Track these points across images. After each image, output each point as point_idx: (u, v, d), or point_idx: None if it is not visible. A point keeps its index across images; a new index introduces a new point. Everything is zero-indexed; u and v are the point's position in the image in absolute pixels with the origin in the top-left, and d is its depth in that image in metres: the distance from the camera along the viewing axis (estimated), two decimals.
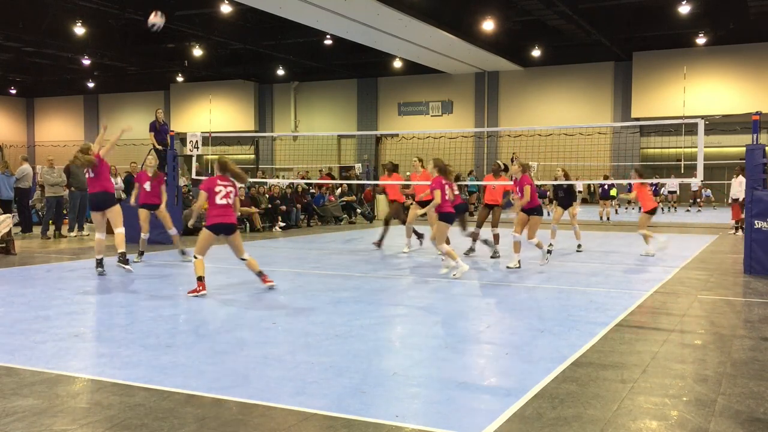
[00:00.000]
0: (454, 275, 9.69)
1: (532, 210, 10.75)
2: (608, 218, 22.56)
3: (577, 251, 13.07)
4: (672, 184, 27.74)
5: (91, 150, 9.92)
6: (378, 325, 6.75)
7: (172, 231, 11.56)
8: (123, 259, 9.70)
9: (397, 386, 4.79)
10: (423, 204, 11.83)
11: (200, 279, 8.22)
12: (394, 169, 14.33)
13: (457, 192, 10.57)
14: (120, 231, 9.87)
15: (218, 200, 8.24)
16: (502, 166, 12.43)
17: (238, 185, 8.69)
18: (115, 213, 9.88)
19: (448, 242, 10.50)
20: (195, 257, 8.31)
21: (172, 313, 7.30)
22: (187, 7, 27.39)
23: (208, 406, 4.38)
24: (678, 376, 5.06)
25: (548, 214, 13.66)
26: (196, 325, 6.83)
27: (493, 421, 4.10)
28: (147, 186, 11.32)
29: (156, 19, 12.28)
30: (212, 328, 6.67)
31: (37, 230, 16.39)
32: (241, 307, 7.67)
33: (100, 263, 9.79)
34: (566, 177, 13.28)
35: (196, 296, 8.10)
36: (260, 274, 8.58)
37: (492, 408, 4.35)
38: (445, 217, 9.90)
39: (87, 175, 9.96)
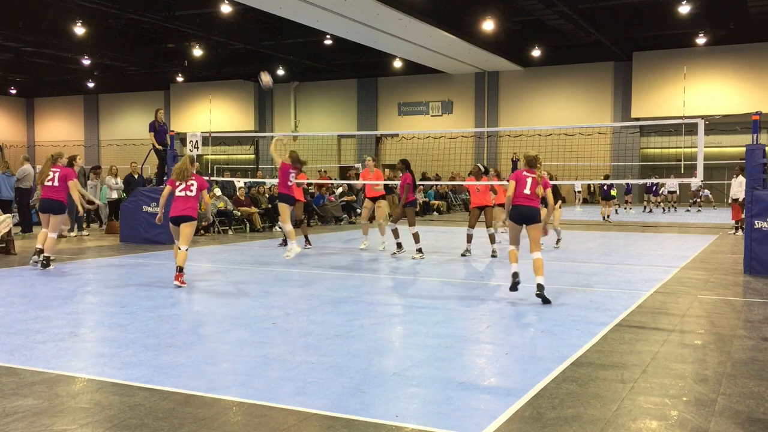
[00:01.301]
0: (286, 255, 11.24)
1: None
2: (608, 217, 22.60)
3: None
4: (672, 184, 27.77)
5: (61, 159, 10.96)
6: (378, 325, 6.75)
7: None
8: (46, 263, 10.46)
9: (396, 386, 4.79)
10: (373, 200, 13.46)
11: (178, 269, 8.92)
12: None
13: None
14: (53, 236, 10.64)
15: (177, 193, 9.10)
16: (483, 169, 12.58)
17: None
18: (59, 219, 10.80)
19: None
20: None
21: (172, 313, 7.31)
22: (187, 7, 27.38)
23: (208, 406, 4.38)
24: (678, 376, 5.06)
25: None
26: (196, 325, 6.83)
27: (493, 421, 4.10)
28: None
29: (267, 79, 13.95)
30: (212, 328, 6.67)
31: (37, 230, 16.37)
32: (241, 307, 7.67)
33: (40, 252, 10.51)
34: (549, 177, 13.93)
35: (179, 286, 8.79)
36: (180, 269, 8.94)
37: (492, 408, 4.35)
38: (285, 199, 11.65)
39: (50, 183, 10.65)
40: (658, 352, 5.75)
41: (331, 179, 27.59)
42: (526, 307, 7.72)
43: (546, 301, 7.73)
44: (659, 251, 13.55)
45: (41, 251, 10.46)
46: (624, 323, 6.85)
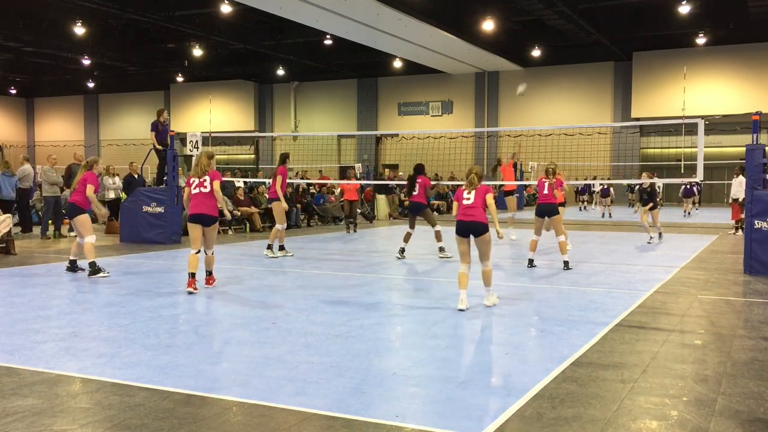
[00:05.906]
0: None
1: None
2: (688, 213, 23.36)
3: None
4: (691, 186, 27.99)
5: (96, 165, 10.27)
6: (378, 325, 6.75)
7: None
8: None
9: (396, 386, 4.79)
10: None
11: (190, 275, 8.44)
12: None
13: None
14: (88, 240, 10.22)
15: (193, 190, 8.68)
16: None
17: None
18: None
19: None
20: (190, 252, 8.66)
21: (172, 313, 7.30)
22: (187, 7, 27.37)
23: (208, 406, 4.38)
24: (678, 376, 5.06)
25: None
26: (196, 325, 6.82)
27: (493, 421, 4.10)
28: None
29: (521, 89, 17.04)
30: (212, 328, 6.67)
31: (37, 230, 16.38)
32: (241, 307, 7.67)
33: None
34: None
35: (190, 293, 8.27)
36: (209, 273, 8.91)
37: (492, 408, 4.35)
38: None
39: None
40: (658, 352, 5.75)
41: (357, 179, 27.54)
42: (526, 307, 7.72)
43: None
44: (659, 251, 13.54)
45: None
46: (624, 323, 6.85)
